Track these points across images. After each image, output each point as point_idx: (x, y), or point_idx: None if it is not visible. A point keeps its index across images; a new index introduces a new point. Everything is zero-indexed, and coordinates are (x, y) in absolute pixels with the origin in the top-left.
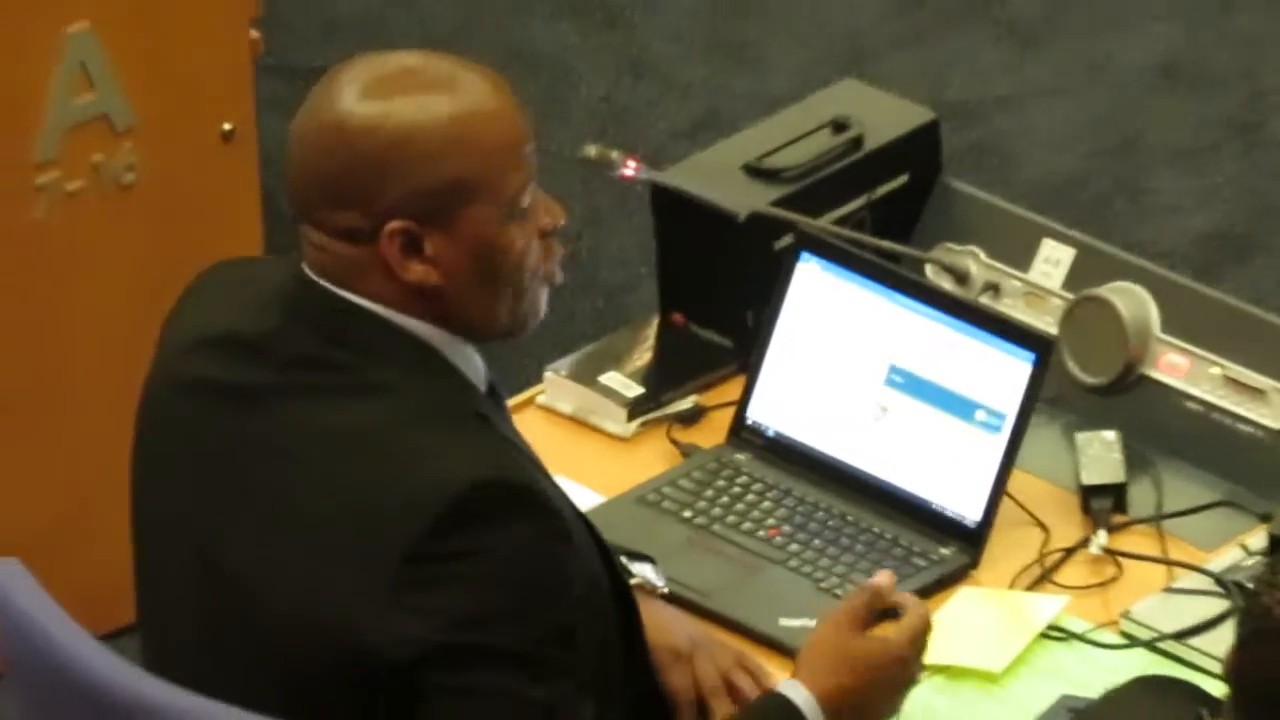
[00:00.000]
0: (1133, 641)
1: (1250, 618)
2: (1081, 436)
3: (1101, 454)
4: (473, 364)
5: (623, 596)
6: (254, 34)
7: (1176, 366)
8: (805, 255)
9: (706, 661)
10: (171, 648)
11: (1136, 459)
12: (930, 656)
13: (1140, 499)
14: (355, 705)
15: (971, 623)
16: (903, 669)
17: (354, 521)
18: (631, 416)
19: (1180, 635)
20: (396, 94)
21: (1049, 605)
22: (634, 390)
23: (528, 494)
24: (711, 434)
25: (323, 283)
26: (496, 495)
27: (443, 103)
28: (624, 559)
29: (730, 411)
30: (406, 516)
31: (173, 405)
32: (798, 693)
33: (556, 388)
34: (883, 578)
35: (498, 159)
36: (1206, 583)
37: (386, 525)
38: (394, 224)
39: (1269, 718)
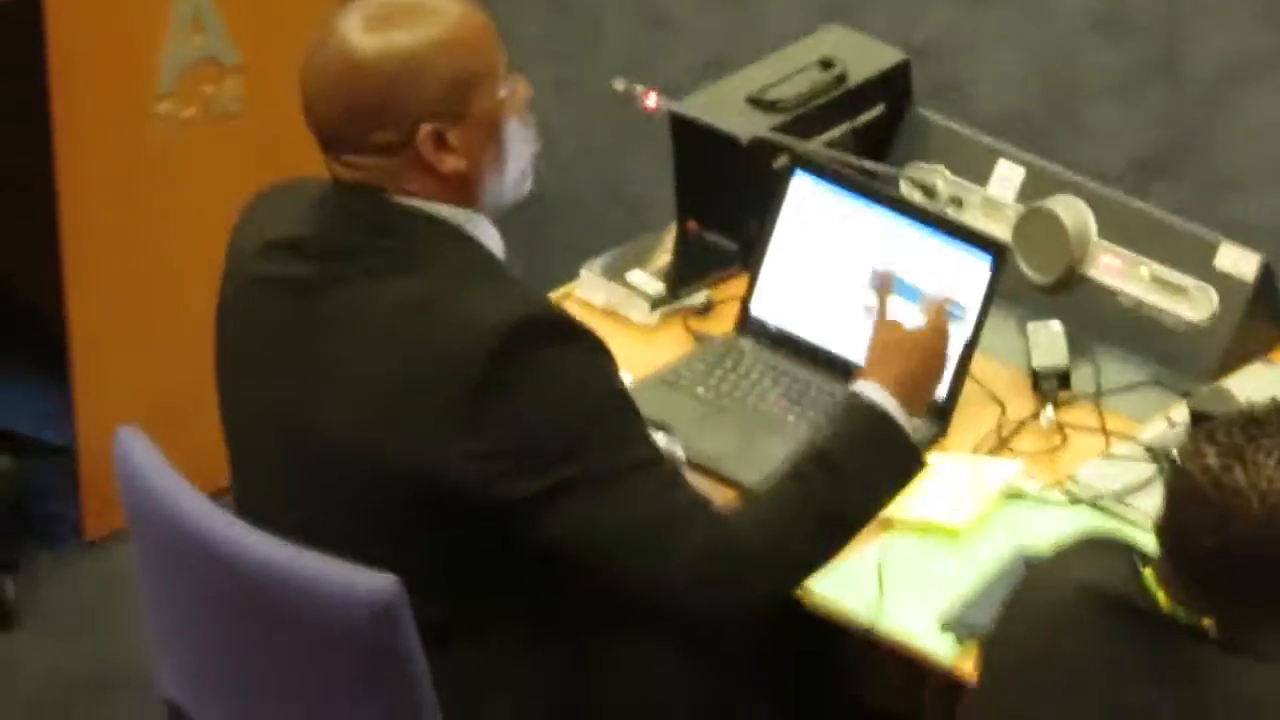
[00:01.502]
0: (1077, 500)
1: (1174, 482)
2: (1032, 326)
3: (1049, 341)
4: (494, 238)
5: None
6: None
7: (1111, 267)
8: (799, 172)
9: None
10: (265, 509)
11: (1078, 345)
12: (901, 513)
13: (1082, 379)
14: (452, 543)
15: (939, 484)
16: (942, 349)
17: (422, 370)
18: (654, 308)
19: (1118, 496)
20: (395, 26)
21: (1005, 468)
22: (656, 286)
23: (562, 320)
24: (721, 324)
25: (358, 188)
26: (538, 324)
27: (435, 22)
28: (651, 429)
29: (736, 305)
30: (467, 355)
31: (245, 301)
32: (872, 390)
33: (590, 284)
34: (933, 297)
35: (485, 51)
36: (1139, 451)
37: (451, 367)
38: (424, 128)
39: (1186, 566)
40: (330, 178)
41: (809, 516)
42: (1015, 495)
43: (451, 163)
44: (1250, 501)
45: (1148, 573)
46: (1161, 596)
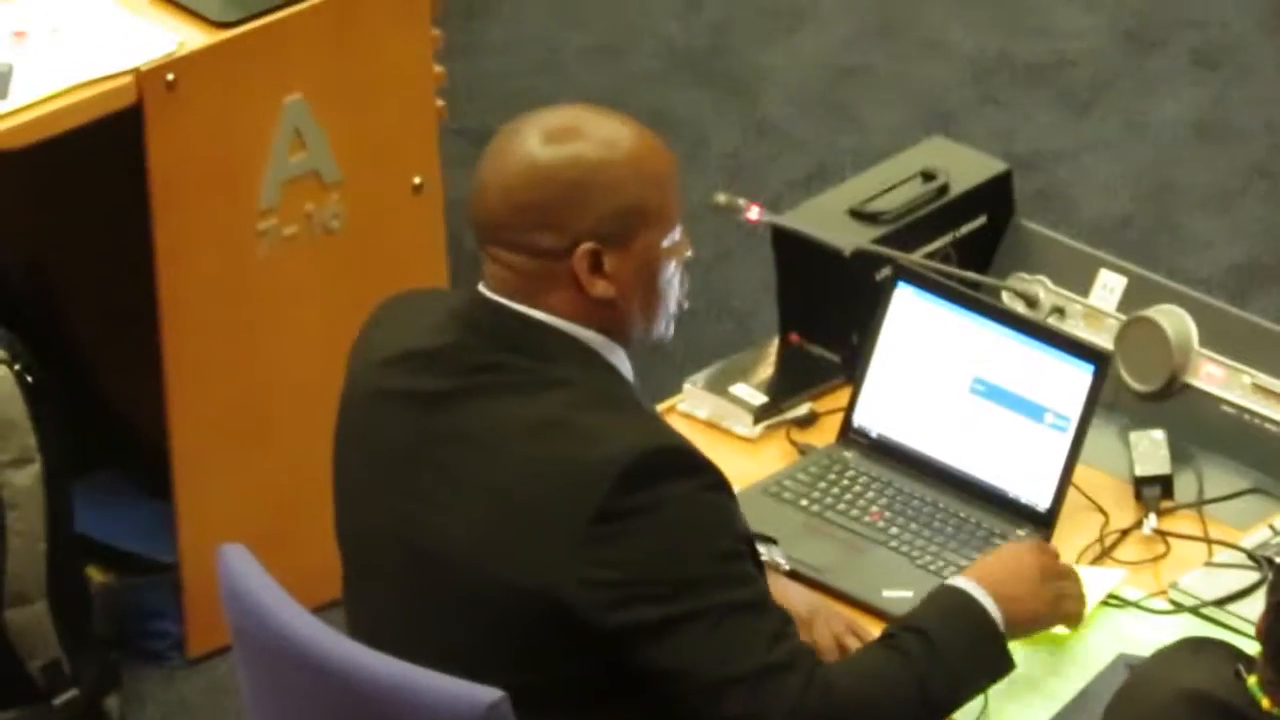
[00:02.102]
0: (1180, 608)
1: (1277, 587)
2: (1134, 435)
3: (1151, 450)
4: (626, 365)
5: (758, 567)
6: (439, 102)
7: (1213, 376)
8: (901, 284)
9: (823, 626)
10: (378, 623)
11: (1181, 454)
12: None
13: (1184, 488)
14: (562, 663)
15: None
16: (1061, 583)
17: (545, 493)
18: (757, 421)
19: (1220, 603)
20: (583, 136)
21: (1110, 577)
22: (759, 399)
23: (689, 454)
24: (824, 435)
25: (499, 299)
26: (664, 457)
27: (623, 140)
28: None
29: (840, 416)
30: (592, 483)
31: (367, 416)
32: (977, 589)
33: (694, 397)
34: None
35: (667, 190)
36: (1241, 558)
37: (574, 493)
38: (586, 245)
39: None
40: (467, 290)
41: (906, 685)
42: (1118, 603)
43: (601, 288)
44: None
45: (1252, 679)
46: (1266, 703)
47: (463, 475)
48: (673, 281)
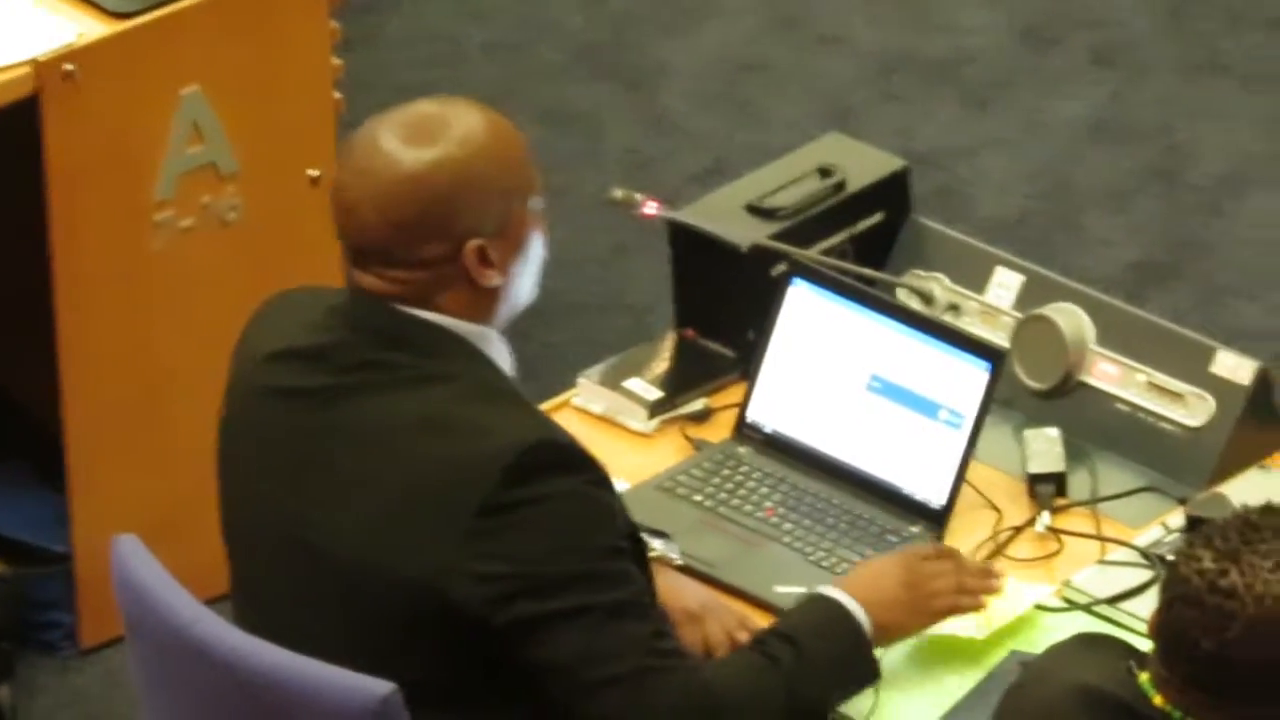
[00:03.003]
0: (1073, 605)
1: (1170, 585)
2: (1028, 433)
3: (1045, 448)
4: (505, 355)
5: (641, 564)
6: (337, 95)
7: (1108, 374)
8: (797, 280)
9: (714, 622)
10: (265, 618)
11: (1075, 451)
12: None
13: (1078, 485)
14: (446, 658)
15: None
16: (931, 585)
17: (430, 488)
18: (651, 416)
19: (1113, 600)
20: (441, 135)
21: (1037, 591)
22: (654, 394)
23: (572, 450)
24: (719, 431)
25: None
26: (549, 452)
27: (478, 128)
28: (645, 535)
29: (735, 412)
30: (477, 477)
31: (249, 412)
32: (846, 598)
33: (588, 391)
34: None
35: (526, 163)
36: (1134, 556)
37: (459, 487)
38: (472, 243)
39: (1184, 668)
40: (347, 287)
41: (775, 691)
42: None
43: (493, 278)
44: (1246, 605)
45: (1144, 675)
46: (1157, 698)
47: (348, 472)
48: (538, 245)
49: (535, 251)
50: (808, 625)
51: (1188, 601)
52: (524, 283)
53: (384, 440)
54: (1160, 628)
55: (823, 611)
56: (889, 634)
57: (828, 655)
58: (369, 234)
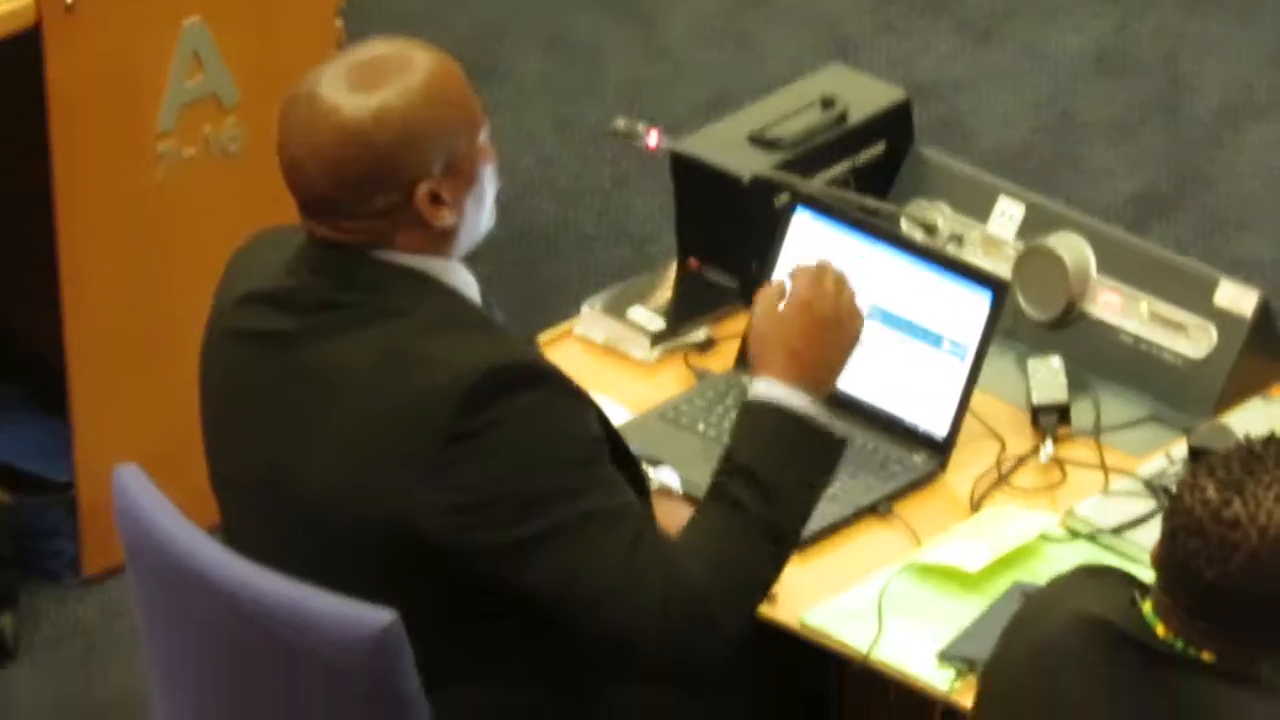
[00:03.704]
0: (1076, 535)
1: (1173, 515)
2: (1031, 362)
3: (1048, 377)
4: (470, 284)
5: (639, 489)
6: (338, 23)
7: (1111, 304)
8: (800, 210)
9: None
10: (251, 555)
11: (1078, 382)
12: (917, 557)
13: (1081, 415)
14: (426, 584)
15: (963, 531)
16: (838, 316)
17: (391, 424)
18: (654, 345)
19: (1116, 530)
20: (381, 82)
21: (1042, 520)
22: (656, 323)
23: (535, 367)
24: (722, 361)
25: (331, 245)
26: (510, 372)
27: (418, 70)
28: (645, 463)
29: (737, 342)
30: (439, 405)
31: (222, 357)
32: (768, 387)
33: (591, 320)
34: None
35: (470, 98)
36: (1137, 486)
37: (420, 420)
38: (422, 187)
39: (1187, 598)
40: (304, 234)
41: (756, 540)
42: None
43: (446, 217)
44: (1250, 534)
45: (1146, 605)
46: (1160, 628)
47: (315, 413)
48: (490, 175)
49: (488, 183)
50: (757, 447)
51: (1191, 532)
52: (479, 215)
53: (345, 379)
54: (1163, 558)
55: (765, 422)
56: (828, 381)
57: (789, 469)
58: (317, 190)
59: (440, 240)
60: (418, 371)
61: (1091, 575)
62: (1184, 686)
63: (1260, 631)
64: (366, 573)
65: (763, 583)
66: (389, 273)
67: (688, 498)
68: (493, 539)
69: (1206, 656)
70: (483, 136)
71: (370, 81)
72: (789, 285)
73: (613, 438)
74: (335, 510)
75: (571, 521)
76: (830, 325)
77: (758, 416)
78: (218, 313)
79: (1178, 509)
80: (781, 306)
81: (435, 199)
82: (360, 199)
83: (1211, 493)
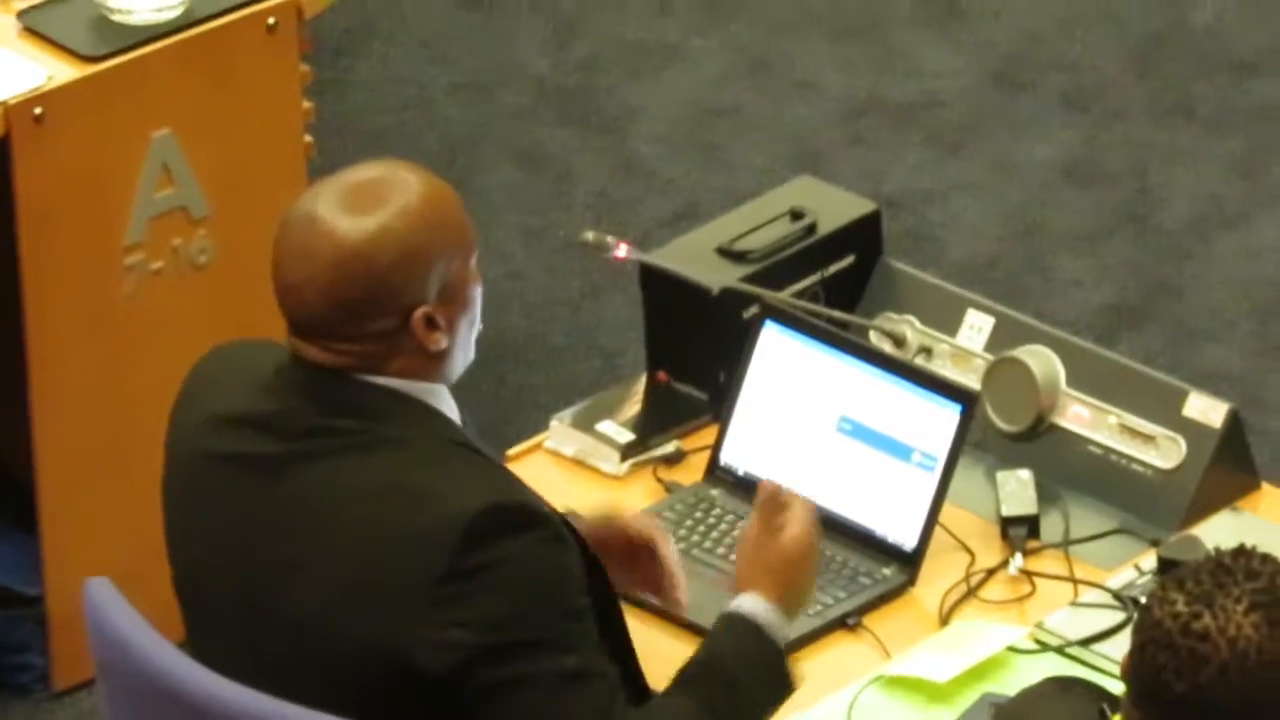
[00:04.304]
0: (1045, 647)
1: (1142, 627)
2: (1001, 475)
3: (1018, 490)
4: (449, 404)
5: (594, 571)
6: (307, 139)
7: (1080, 416)
8: (769, 323)
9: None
10: (221, 668)
11: (1047, 494)
12: (886, 669)
13: (1050, 528)
14: (401, 716)
15: (934, 645)
16: (814, 554)
17: (387, 557)
18: (624, 458)
19: (1086, 642)
20: (377, 205)
21: (1010, 633)
22: (626, 436)
23: (526, 509)
24: (691, 473)
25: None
26: (503, 514)
27: (414, 193)
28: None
29: (707, 454)
30: (434, 544)
31: (197, 478)
32: (752, 603)
33: (560, 434)
34: (768, 482)
35: (463, 223)
36: (1107, 598)
37: (417, 555)
38: (420, 311)
39: (1157, 711)
40: (291, 353)
41: None
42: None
43: (441, 341)
44: (1219, 647)
45: (1116, 719)
46: None
47: (306, 543)
48: (479, 298)
49: (477, 306)
50: (737, 659)
51: (1160, 645)
52: (471, 340)
53: (339, 510)
54: (1133, 670)
55: (749, 639)
56: (795, 616)
57: (758, 686)
58: (313, 313)
59: (432, 365)
60: (416, 505)
61: (1062, 688)
62: None
63: None
64: (347, 704)
65: None
66: (380, 398)
67: (656, 609)
68: (484, 677)
69: None
70: (474, 260)
71: (367, 204)
72: (773, 509)
73: (594, 570)
74: (321, 637)
75: (554, 673)
76: (812, 571)
77: (748, 633)
78: (181, 433)
79: (1146, 622)
80: (768, 531)
81: (430, 323)
82: (357, 322)
83: (1181, 605)
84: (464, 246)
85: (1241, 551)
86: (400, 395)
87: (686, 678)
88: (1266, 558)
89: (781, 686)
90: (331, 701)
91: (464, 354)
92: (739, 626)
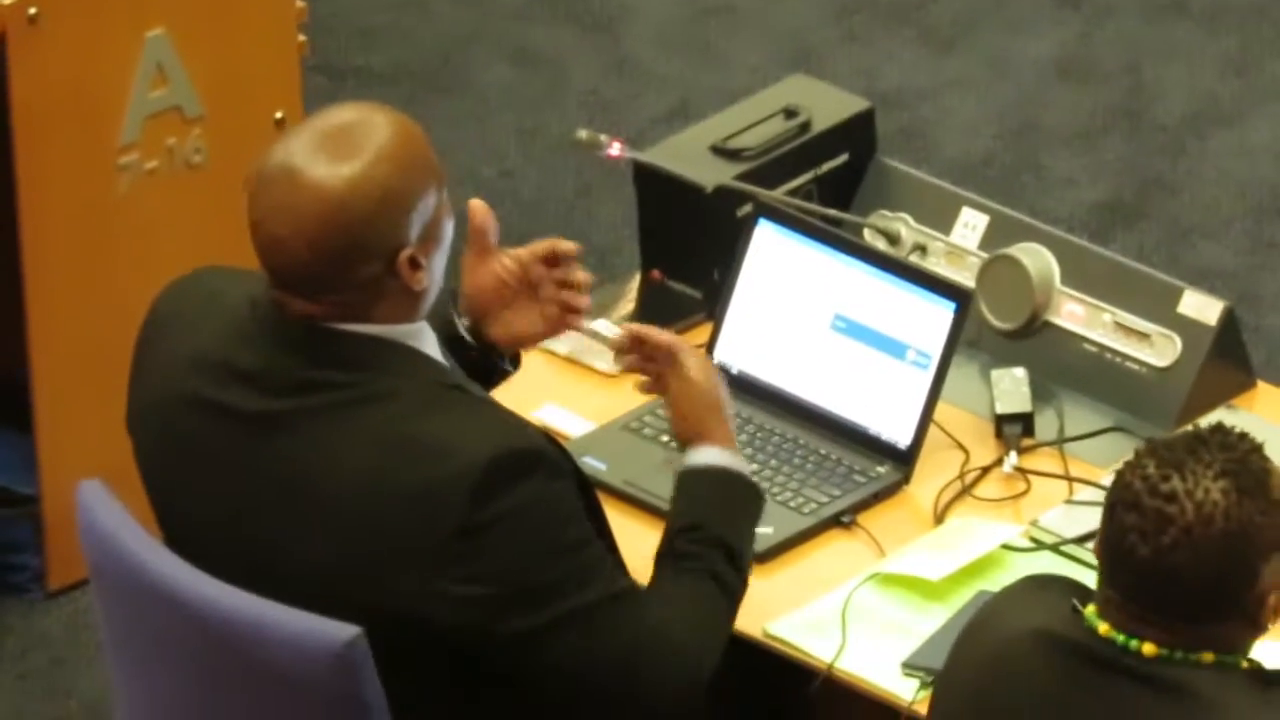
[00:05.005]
0: (1040, 545)
1: (1113, 490)
2: (995, 373)
3: (1012, 388)
4: (431, 341)
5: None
6: (301, 38)
7: (1074, 314)
8: (762, 221)
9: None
10: None
11: (1041, 392)
12: (881, 567)
13: (1045, 426)
14: (419, 673)
15: (929, 542)
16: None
17: (393, 516)
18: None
19: (1080, 539)
20: (351, 155)
21: (1005, 531)
22: (619, 334)
23: (528, 453)
24: None
25: (305, 321)
26: (508, 463)
27: (387, 136)
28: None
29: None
30: (443, 501)
31: (181, 421)
32: (709, 453)
33: None
34: (634, 328)
35: (433, 163)
36: (1101, 495)
37: (426, 512)
38: (404, 253)
39: (1123, 579)
40: (272, 304)
41: (729, 600)
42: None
43: (422, 280)
44: (1185, 509)
45: (1090, 609)
46: (1103, 627)
47: (306, 505)
48: (449, 229)
49: (449, 240)
50: (724, 516)
51: (1128, 506)
52: (442, 270)
53: (338, 469)
54: (1102, 540)
55: (724, 488)
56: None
57: (748, 528)
58: (300, 266)
59: (413, 306)
60: (419, 461)
61: (1038, 585)
62: (1120, 683)
63: (1193, 619)
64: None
65: (728, 633)
66: (367, 347)
67: (652, 509)
68: (505, 629)
69: (1148, 649)
70: (444, 194)
71: (343, 152)
72: (685, 365)
73: (586, 489)
74: (328, 602)
75: (581, 608)
76: (723, 390)
77: (727, 486)
78: (152, 374)
79: (1117, 485)
80: (689, 382)
81: (414, 264)
82: (344, 270)
83: (1152, 469)
84: (438, 183)
85: (1219, 428)
86: (386, 342)
87: (686, 551)
88: (1244, 435)
89: (757, 508)
90: None
91: (437, 287)
92: (710, 479)
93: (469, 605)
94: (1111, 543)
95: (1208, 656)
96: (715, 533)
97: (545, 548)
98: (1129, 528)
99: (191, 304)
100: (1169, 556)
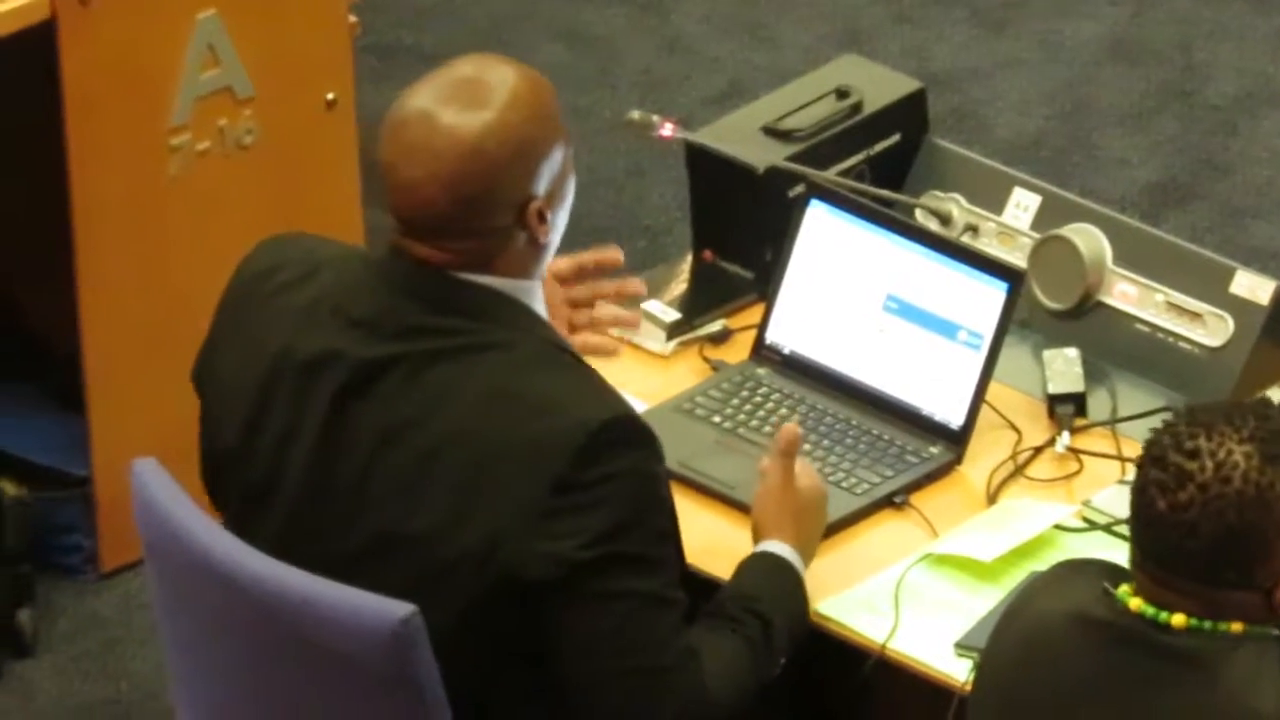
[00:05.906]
0: (1093, 526)
1: (1145, 449)
2: (1048, 353)
3: (1064, 368)
4: (540, 301)
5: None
6: (352, 18)
7: (1127, 294)
8: (814, 202)
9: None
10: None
11: (1094, 372)
12: (933, 547)
13: (1097, 406)
14: (495, 624)
15: (983, 522)
16: (825, 504)
17: (501, 464)
18: (670, 337)
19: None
20: (485, 103)
21: (1058, 511)
22: (672, 315)
23: (640, 426)
24: (737, 352)
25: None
26: (619, 430)
27: (519, 86)
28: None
29: (753, 333)
30: (551, 454)
31: (282, 372)
32: (780, 547)
33: None
34: (788, 428)
35: (560, 118)
36: None
37: (531, 464)
38: (534, 205)
39: (1145, 535)
40: (395, 254)
41: (753, 666)
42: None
43: (547, 233)
44: (1205, 466)
45: (1122, 589)
46: (1134, 602)
47: (415, 447)
48: (572, 187)
49: (571, 197)
50: (775, 600)
51: (1153, 461)
52: (562, 228)
53: (447, 414)
54: (1131, 501)
55: (781, 578)
56: (809, 560)
57: (789, 626)
58: (433, 210)
59: (534, 260)
60: (527, 414)
61: (1073, 570)
62: (1151, 660)
63: (1213, 581)
64: (439, 604)
65: (747, 696)
66: (484, 297)
67: (706, 490)
68: (577, 588)
69: (1177, 621)
70: (569, 149)
71: (477, 99)
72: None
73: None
74: (426, 542)
75: (644, 591)
76: (823, 516)
77: (784, 573)
78: (248, 325)
79: (1149, 442)
80: (788, 481)
81: (541, 217)
82: (475, 217)
83: (1182, 428)
84: (565, 138)
85: (1263, 400)
86: (505, 296)
87: (727, 613)
88: None
89: (802, 627)
90: (426, 608)
91: (555, 246)
92: (772, 566)
93: (555, 562)
94: (1136, 500)
95: (1237, 627)
96: (762, 609)
97: (631, 520)
98: (1150, 481)
99: (293, 259)
100: (1184, 512)
